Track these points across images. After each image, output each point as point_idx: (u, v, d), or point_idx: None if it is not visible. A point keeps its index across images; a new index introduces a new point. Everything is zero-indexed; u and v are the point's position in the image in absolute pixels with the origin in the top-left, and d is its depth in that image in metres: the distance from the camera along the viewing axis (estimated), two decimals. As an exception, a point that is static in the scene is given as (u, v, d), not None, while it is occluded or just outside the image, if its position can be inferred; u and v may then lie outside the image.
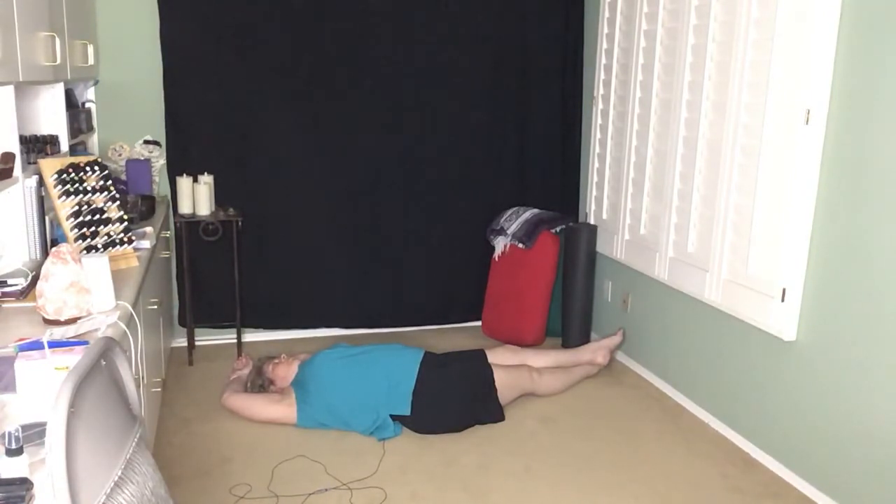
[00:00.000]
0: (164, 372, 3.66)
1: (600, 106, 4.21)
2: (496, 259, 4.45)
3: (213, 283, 4.17)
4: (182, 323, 4.22)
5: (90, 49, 3.47)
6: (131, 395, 1.53)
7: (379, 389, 3.26)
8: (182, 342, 4.27)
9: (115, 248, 2.70)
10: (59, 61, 2.76)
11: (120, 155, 3.91)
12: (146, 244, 2.98)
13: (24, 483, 1.30)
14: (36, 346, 1.81)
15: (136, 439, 1.42)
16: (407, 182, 4.35)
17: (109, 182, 2.79)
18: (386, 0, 4.12)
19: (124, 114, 3.99)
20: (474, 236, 4.53)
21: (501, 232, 4.38)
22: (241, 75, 4.00)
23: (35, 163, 2.71)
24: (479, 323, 4.65)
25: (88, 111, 3.82)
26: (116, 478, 1.28)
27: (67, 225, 2.61)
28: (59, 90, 3.07)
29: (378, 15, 4.13)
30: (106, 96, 3.96)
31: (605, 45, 4.11)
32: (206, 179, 3.84)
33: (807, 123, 2.71)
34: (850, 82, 2.61)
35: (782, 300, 2.86)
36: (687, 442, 3.25)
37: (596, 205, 4.28)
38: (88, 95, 3.92)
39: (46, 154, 2.89)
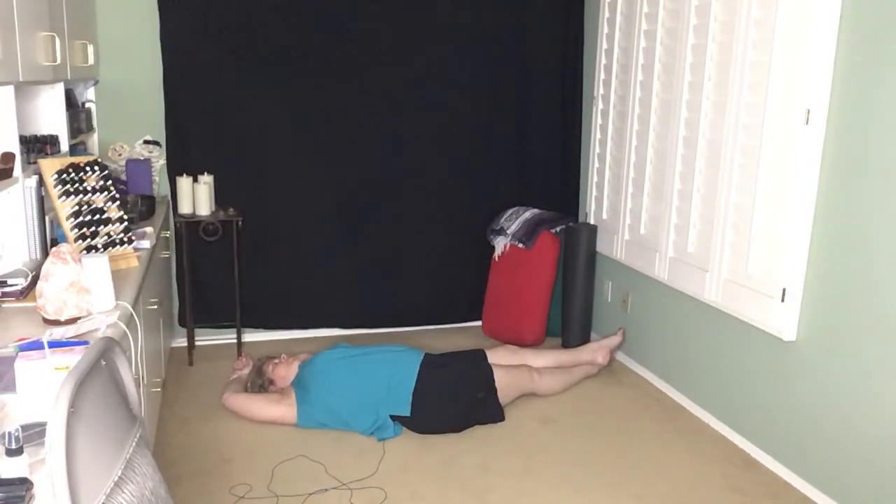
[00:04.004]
0: (164, 372, 3.66)
1: (600, 106, 4.21)
2: (496, 259, 4.45)
3: (213, 283, 4.17)
4: (182, 323, 4.22)
5: (90, 49, 3.47)
6: (131, 395, 1.53)
7: (379, 390, 3.26)
8: (182, 342, 4.27)
9: (115, 248, 2.70)
10: (59, 61, 2.76)
11: (120, 155, 3.91)
12: (146, 244, 2.98)
13: (24, 483, 1.30)
14: (36, 346, 1.81)
15: (136, 439, 1.42)
16: (407, 182, 4.35)
17: (109, 182, 2.79)
18: (386, 0, 4.12)
19: (124, 114, 3.99)
20: (474, 236, 4.53)
21: (501, 232, 4.38)
22: (241, 75, 4.00)
23: (35, 163, 2.70)
24: (479, 323, 4.65)
25: (88, 111, 3.82)
26: (116, 478, 1.28)
27: (67, 225, 2.61)
28: (59, 90, 3.07)
29: (378, 15, 4.13)
30: (106, 96, 3.96)
31: (605, 45, 4.11)
32: (206, 179, 3.84)
33: (807, 123, 2.71)
34: (850, 82, 2.61)
35: (782, 300, 2.86)
36: (687, 442, 3.25)
37: (596, 205, 4.28)
38: (88, 95, 3.92)
39: (46, 154, 2.88)
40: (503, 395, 3.41)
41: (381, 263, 4.41)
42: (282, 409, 3.28)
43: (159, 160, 4.04)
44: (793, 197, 2.77)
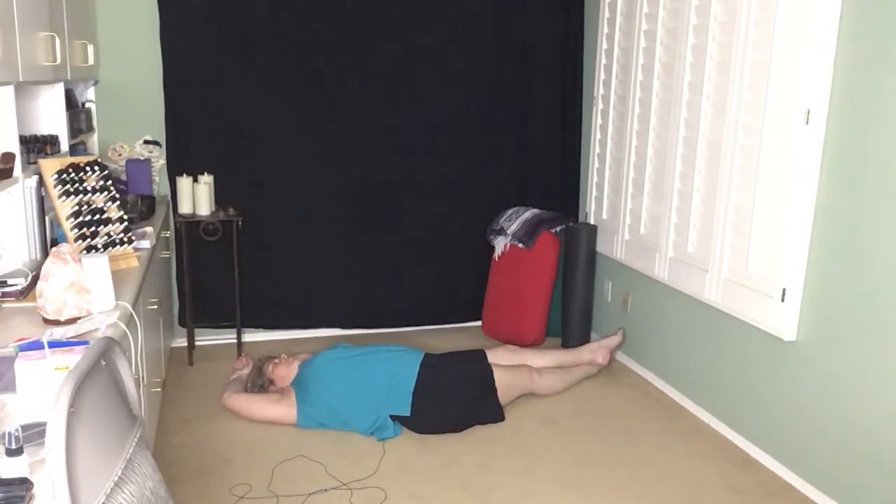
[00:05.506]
0: (164, 372, 3.66)
1: (600, 106, 4.21)
2: (496, 259, 4.45)
3: (213, 283, 4.17)
4: (182, 323, 4.22)
5: (90, 49, 3.47)
6: (131, 395, 1.53)
7: (379, 390, 3.26)
8: (182, 342, 4.27)
9: (115, 248, 2.70)
10: (59, 61, 2.76)
11: (120, 155, 3.91)
12: (146, 244, 2.98)
13: (24, 483, 1.30)
14: (36, 346, 1.81)
15: (136, 439, 1.42)
16: (407, 182, 4.35)
17: (109, 182, 2.79)
18: (386, 2, 4.12)
19: (124, 114, 3.99)
20: (474, 236, 4.53)
21: (501, 232, 4.38)
22: (241, 75, 4.00)
23: (35, 163, 2.70)
24: (479, 323, 4.65)
25: (88, 111, 3.82)
26: (116, 478, 1.28)
27: (67, 225, 2.61)
28: (59, 90, 3.07)
29: (378, 16, 4.13)
30: (106, 96, 3.96)
31: (605, 45, 4.11)
32: (206, 179, 3.84)
33: (807, 123, 2.71)
34: (850, 82, 2.61)
35: (782, 300, 2.86)
36: (687, 442, 3.25)
37: (596, 205, 4.28)
38: (88, 95, 3.92)
39: (46, 154, 2.88)
40: (503, 395, 3.41)
41: (381, 263, 4.41)
42: (282, 409, 3.28)
43: (159, 160, 4.04)
44: (793, 197, 2.77)
